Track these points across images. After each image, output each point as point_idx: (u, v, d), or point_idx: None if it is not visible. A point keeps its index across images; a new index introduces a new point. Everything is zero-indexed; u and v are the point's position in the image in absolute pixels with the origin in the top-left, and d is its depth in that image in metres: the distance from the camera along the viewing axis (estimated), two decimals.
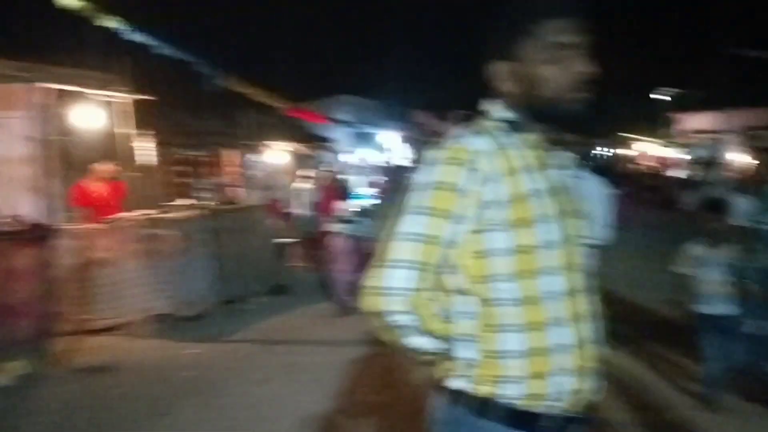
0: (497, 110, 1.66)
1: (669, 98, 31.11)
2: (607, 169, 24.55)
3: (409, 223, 1.54)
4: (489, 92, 1.67)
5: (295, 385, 5.35)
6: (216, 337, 7.00)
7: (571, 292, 1.58)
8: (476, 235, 1.54)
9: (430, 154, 1.58)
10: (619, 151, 35.48)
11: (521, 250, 1.53)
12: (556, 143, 1.69)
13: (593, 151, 37.89)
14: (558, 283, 1.56)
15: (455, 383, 1.60)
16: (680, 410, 4.43)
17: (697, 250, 4.29)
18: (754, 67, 21.67)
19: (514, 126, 1.62)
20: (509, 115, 1.64)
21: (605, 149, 38.78)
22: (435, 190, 1.53)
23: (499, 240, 1.53)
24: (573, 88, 1.58)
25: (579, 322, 1.59)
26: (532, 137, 1.63)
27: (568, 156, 1.70)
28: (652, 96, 32.61)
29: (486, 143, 1.57)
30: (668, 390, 4.79)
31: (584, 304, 1.61)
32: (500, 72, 1.63)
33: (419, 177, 1.57)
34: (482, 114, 1.67)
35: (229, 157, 15.91)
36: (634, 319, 6.78)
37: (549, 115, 1.62)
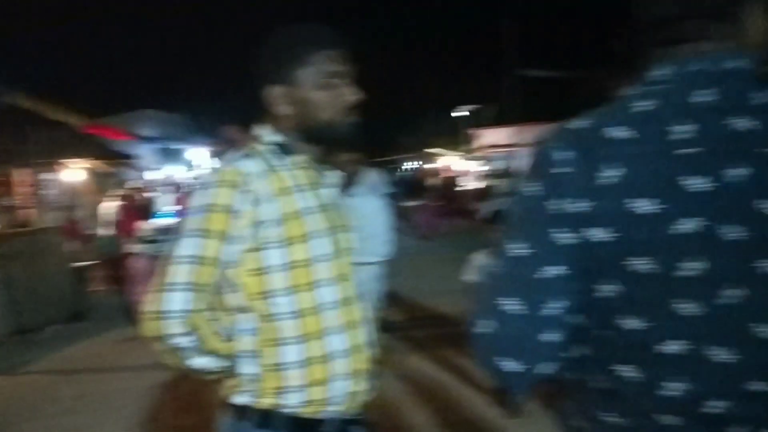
0: (268, 133, 1.74)
1: (468, 114, 33.27)
2: (412, 183, 25.71)
3: (184, 246, 1.58)
4: (262, 115, 1.75)
5: (98, 414, 5.08)
6: (8, 370, 6.47)
7: (345, 301, 1.69)
8: (252, 253, 1.60)
9: (206, 177, 1.64)
10: (425, 165, 37.31)
11: (296, 265, 1.62)
12: (327, 163, 1.80)
13: (401, 166, 39.45)
14: (332, 293, 1.67)
15: (240, 399, 1.66)
16: (478, 412, 4.70)
17: (481, 258, 4.54)
18: (540, 85, 23.82)
19: (283, 149, 1.71)
20: (279, 138, 1.72)
21: (412, 164, 40.59)
22: (208, 213, 1.58)
23: (275, 257, 1.61)
24: (341, 112, 1.69)
25: (353, 329, 1.70)
26: (302, 158, 1.73)
27: (336, 175, 1.83)
28: (453, 114, 34.71)
29: (257, 165, 1.64)
30: (466, 393, 5.07)
31: (357, 312, 1.72)
32: (275, 95, 1.70)
33: (194, 200, 1.62)
34: (254, 137, 1.75)
35: (21, 176, 14.72)
36: (435, 326, 7.17)
37: (320, 136, 1.72)
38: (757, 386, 0.99)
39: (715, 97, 1.00)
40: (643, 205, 0.96)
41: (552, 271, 1.02)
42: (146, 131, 21.30)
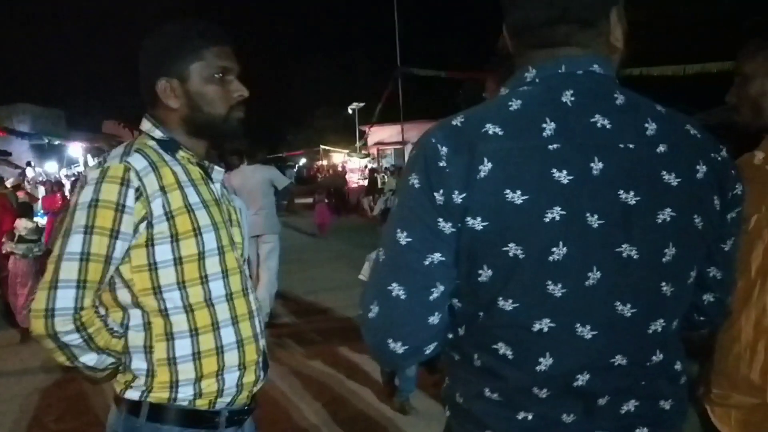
0: (154, 128, 1.74)
1: (360, 111, 33.50)
2: (304, 180, 25.59)
3: (71, 243, 1.56)
4: (149, 110, 1.76)
5: None
6: None
7: (235, 294, 1.72)
8: (142, 249, 1.60)
9: (91, 173, 1.62)
10: (317, 161, 37.27)
11: (186, 260, 1.63)
12: (214, 158, 1.84)
13: (292, 163, 39.20)
14: (223, 287, 1.69)
15: (132, 394, 1.66)
16: (366, 407, 4.76)
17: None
18: (426, 84, 24.35)
19: (171, 144, 1.72)
20: (166, 133, 1.73)
21: (304, 160, 40.42)
22: (95, 209, 1.56)
23: (165, 252, 1.61)
24: (230, 107, 1.73)
25: (243, 321, 1.73)
26: (189, 153, 1.74)
27: (220, 170, 1.84)
28: (345, 111, 34.80)
29: (145, 161, 1.63)
30: (354, 388, 5.11)
31: (246, 304, 1.76)
32: (165, 89, 1.71)
33: (80, 197, 1.59)
34: (142, 132, 1.75)
35: None
36: (325, 321, 7.24)
37: (208, 131, 1.75)
38: (617, 359, 1.12)
39: (579, 98, 1.10)
40: (518, 196, 1.04)
41: (437, 257, 1.08)
42: (21, 126, 20.16)
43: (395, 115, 25.21)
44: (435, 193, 1.07)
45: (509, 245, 1.05)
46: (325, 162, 35.54)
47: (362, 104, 32.53)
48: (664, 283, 1.12)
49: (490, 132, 1.07)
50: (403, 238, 1.09)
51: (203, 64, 1.70)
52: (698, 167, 1.12)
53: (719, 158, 1.16)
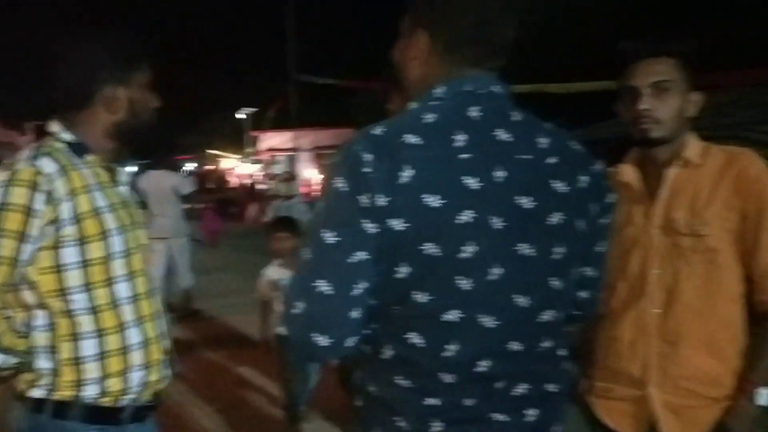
0: (63, 131, 1.76)
1: (251, 116, 33.11)
2: (207, 189, 24.80)
3: None
4: (71, 111, 1.78)
5: None
6: None
7: (140, 296, 1.77)
8: (49, 251, 1.62)
9: None
10: (207, 167, 36.52)
11: (93, 263, 1.66)
12: (119, 161, 1.87)
13: (180, 167, 38.16)
14: (128, 289, 1.74)
15: (36, 392, 1.68)
16: (261, 412, 4.78)
17: (272, 273, 4.19)
18: (319, 91, 24.42)
19: (78, 147, 1.75)
20: (74, 136, 1.75)
21: (192, 165, 39.47)
22: (4, 212, 1.57)
23: (72, 255, 1.64)
24: (150, 113, 1.83)
25: (148, 322, 1.79)
26: (96, 157, 1.78)
27: (127, 171, 1.90)
28: (237, 116, 34.28)
29: (54, 164, 1.65)
30: (247, 394, 5.10)
31: (151, 305, 1.81)
32: (109, 96, 1.77)
33: None
34: (51, 135, 1.76)
35: None
36: (214, 327, 7.17)
37: (132, 136, 1.82)
38: (513, 346, 1.23)
39: (483, 113, 1.23)
40: (433, 200, 1.14)
41: (361, 256, 1.16)
42: None
43: (288, 121, 25.13)
44: (359, 197, 1.15)
45: (426, 244, 1.15)
46: (214, 167, 34.85)
47: (254, 110, 32.19)
48: (554, 279, 1.26)
49: (409, 142, 1.17)
50: (329, 237, 1.17)
51: (143, 73, 1.79)
52: (580, 177, 1.27)
53: (596, 170, 1.32)
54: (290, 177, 10.75)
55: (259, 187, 23.05)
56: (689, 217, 1.79)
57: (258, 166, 28.04)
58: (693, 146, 1.84)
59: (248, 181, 26.85)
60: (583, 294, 1.41)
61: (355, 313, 1.19)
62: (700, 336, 1.81)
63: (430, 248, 1.15)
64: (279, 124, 26.88)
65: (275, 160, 25.11)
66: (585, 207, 1.28)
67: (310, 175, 21.99)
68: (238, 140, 34.50)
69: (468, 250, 1.16)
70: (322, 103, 28.34)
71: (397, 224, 1.14)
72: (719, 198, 1.78)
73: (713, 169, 1.80)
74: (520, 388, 1.26)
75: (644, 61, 1.81)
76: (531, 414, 1.27)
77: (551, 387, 1.30)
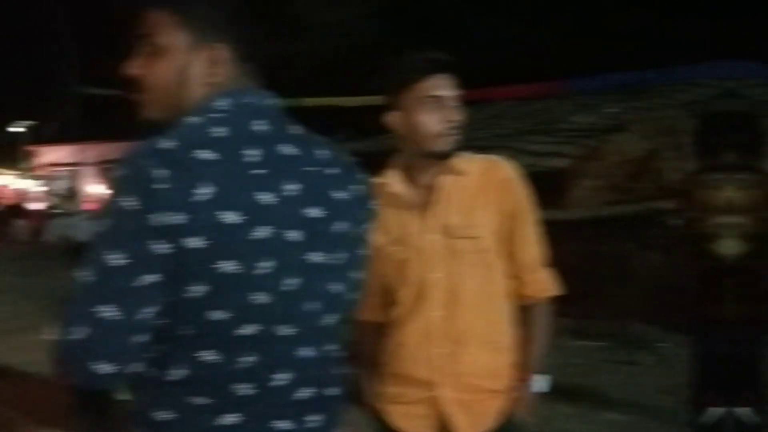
0: None
1: (26, 131, 30.71)
2: None
3: None
4: None
5: None
6: None
7: None
8: None
9: None
10: None
11: None
12: None
13: None
14: None
15: None
16: None
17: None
18: (103, 104, 23.34)
19: None
20: None
21: None
22: None
23: None
24: None
25: None
26: None
27: None
28: (9, 129, 31.60)
29: None
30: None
31: None
32: None
33: None
34: None
35: None
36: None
37: None
38: (305, 352, 1.24)
39: (268, 127, 1.23)
40: (230, 217, 1.11)
41: (148, 279, 1.10)
42: None
43: (71, 134, 23.76)
44: (149, 215, 1.09)
45: (220, 262, 1.12)
46: None
47: (32, 123, 29.92)
48: (336, 283, 1.29)
49: (201, 157, 1.13)
50: (112, 260, 1.10)
51: None
52: (351, 186, 1.33)
53: (362, 179, 1.44)
54: (72, 193, 10.23)
55: (33, 204, 21.52)
56: (463, 221, 1.90)
57: (36, 183, 26.15)
58: (459, 156, 1.94)
59: (12, 200, 24.63)
60: (352, 296, 1.46)
61: (140, 338, 1.12)
62: (482, 333, 1.91)
63: (226, 266, 1.12)
64: (60, 138, 25.29)
65: (57, 176, 23.62)
66: (356, 214, 1.34)
67: (96, 190, 20.97)
68: (12, 155, 31.79)
69: (265, 266, 1.15)
70: (109, 115, 27.02)
71: (194, 243, 1.10)
72: (484, 202, 1.92)
73: (476, 175, 1.94)
74: (306, 393, 1.26)
75: (441, 74, 1.89)
76: (314, 420, 1.28)
77: (333, 391, 1.31)
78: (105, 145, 23.73)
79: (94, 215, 10.35)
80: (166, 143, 1.14)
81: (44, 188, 23.95)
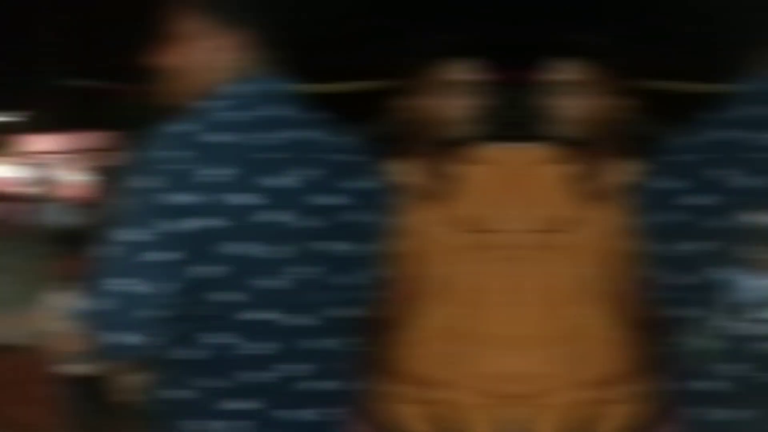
0: None
1: (7, 120, 30.51)
2: None
3: None
4: None
5: None
6: None
7: None
8: None
9: None
10: None
11: None
12: None
13: None
14: None
15: None
16: None
17: (61, 300, 3.70)
18: (81, 95, 23.25)
19: None
20: None
21: None
22: None
23: None
24: None
25: None
26: None
27: None
28: None
29: None
30: None
31: None
32: None
33: None
34: None
35: None
36: None
37: None
38: (327, 344, 1.22)
39: (290, 113, 1.22)
40: (236, 199, 1.12)
41: (163, 255, 1.11)
42: None
43: (54, 123, 23.71)
44: (161, 195, 1.12)
45: (239, 244, 1.14)
46: None
47: (15, 112, 29.75)
48: (357, 276, 1.28)
49: (210, 140, 1.14)
50: (136, 236, 1.13)
51: None
52: (374, 176, 1.31)
53: (385, 169, 1.36)
54: (49, 182, 10.17)
55: (14, 190, 21.45)
56: (488, 213, 1.79)
57: (14, 171, 26.04)
58: (482, 144, 1.76)
59: (11, 188, 24.52)
60: (372, 289, 1.40)
61: (163, 313, 1.14)
62: (507, 333, 1.75)
63: (243, 248, 1.14)
64: (39, 128, 25.26)
65: (34, 165, 23.55)
66: (378, 204, 1.31)
67: (76, 178, 21.00)
68: None
69: (283, 251, 1.17)
70: (90, 105, 26.90)
71: (200, 223, 1.12)
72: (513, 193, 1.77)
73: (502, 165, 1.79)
74: (327, 385, 1.25)
75: (460, 56, 1.75)
76: (335, 412, 1.28)
77: (353, 384, 1.31)
78: (86, 134, 23.69)
79: (73, 202, 10.44)
80: (180, 127, 1.17)
81: (24, 177, 23.87)
